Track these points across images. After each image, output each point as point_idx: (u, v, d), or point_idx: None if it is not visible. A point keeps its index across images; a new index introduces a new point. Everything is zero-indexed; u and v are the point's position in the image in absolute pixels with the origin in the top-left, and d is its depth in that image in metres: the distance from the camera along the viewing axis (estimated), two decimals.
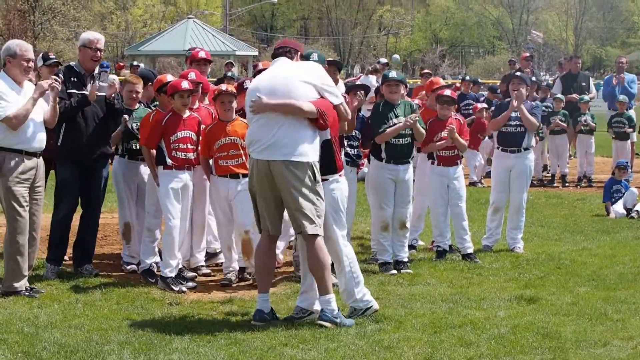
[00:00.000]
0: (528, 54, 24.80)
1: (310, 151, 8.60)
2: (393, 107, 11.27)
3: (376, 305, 9.04)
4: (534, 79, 21.62)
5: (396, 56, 27.92)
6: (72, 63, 11.08)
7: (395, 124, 11.16)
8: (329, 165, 8.85)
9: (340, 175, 9.02)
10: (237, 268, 10.77)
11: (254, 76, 10.21)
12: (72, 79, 10.72)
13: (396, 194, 11.32)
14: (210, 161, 10.71)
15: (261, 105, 8.57)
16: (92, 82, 10.73)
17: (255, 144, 8.70)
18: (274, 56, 9.09)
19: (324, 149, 8.78)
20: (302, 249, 8.97)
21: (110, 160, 11.37)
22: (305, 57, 9.54)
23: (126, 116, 10.95)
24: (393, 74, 11.55)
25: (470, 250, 12.10)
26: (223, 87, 10.85)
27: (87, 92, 10.63)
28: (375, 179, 11.37)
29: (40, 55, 11.97)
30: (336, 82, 11.17)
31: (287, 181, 8.53)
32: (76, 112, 10.60)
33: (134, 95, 11.19)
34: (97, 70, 10.91)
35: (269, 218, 8.81)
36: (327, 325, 8.55)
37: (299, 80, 8.66)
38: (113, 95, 10.76)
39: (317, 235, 8.63)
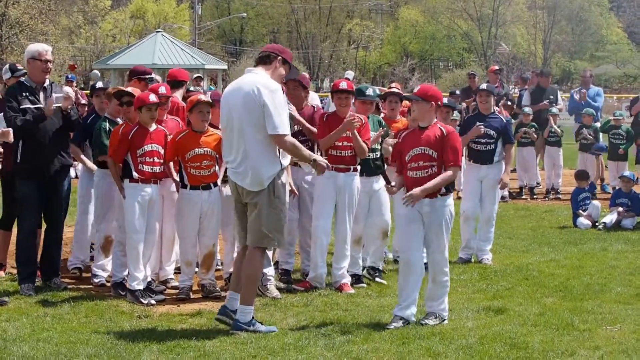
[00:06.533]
0: (497, 67, 24.28)
1: (269, 177, 8.85)
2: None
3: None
4: (503, 92, 21.77)
5: (350, 72, 28.16)
6: (22, 78, 10.89)
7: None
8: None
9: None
10: (191, 284, 10.70)
11: None
12: (24, 93, 10.53)
13: (370, 206, 11.34)
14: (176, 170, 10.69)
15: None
16: (44, 94, 10.60)
17: (228, 162, 9.13)
18: (256, 61, 9.20)
19: None
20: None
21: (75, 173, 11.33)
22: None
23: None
24: (370, 91, 11.34)
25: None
26: (202, 97, 10.73)
27: (42, 106, 10.49)
28: None
29: None
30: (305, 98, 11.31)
31: (248, 201, 8.97)
32: (35, 127, 10.41)
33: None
34: (47, 82, 10.74)
35: (238, 228, 9.20)
36: (239, 334, 8.71)
37: (257, 103, 8.76)
38: (69, 107, 10.63)
39: (264, 248, 9.05)
